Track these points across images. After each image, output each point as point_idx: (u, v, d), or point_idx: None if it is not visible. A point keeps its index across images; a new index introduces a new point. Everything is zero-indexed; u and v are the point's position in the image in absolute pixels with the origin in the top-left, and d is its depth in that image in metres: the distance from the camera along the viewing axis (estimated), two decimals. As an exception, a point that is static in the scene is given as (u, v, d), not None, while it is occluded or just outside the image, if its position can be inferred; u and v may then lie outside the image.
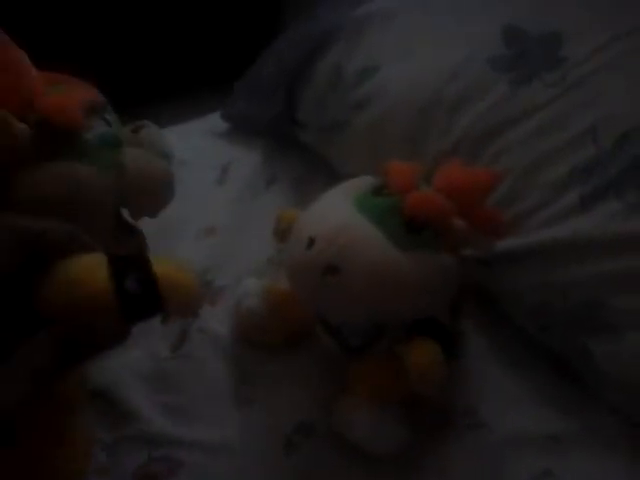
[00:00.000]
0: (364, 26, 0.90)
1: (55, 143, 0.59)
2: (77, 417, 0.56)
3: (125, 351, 0.73)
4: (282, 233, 0.69)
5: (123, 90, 1.34)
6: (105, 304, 0.42)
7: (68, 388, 0.53)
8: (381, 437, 0.63)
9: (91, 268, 0.42)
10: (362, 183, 0.65)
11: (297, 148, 0.98)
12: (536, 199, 0.70)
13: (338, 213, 0.60)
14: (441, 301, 0.63)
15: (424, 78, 0.81)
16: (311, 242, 0.58)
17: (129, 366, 0.71)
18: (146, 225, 0.87)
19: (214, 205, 0.92)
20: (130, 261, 0.44)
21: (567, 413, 0.67)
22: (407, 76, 0.83)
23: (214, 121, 1.08)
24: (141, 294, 0.43)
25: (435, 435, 0.66)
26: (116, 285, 0.42)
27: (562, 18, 0.78)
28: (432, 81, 0.80)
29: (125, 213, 0.69)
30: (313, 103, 0.92)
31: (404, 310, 0.61)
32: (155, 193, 0.67)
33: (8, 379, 0.39)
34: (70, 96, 0.62)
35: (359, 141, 0.86)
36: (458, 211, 0.61)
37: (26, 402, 0.40)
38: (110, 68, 1.37)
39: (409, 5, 0.90)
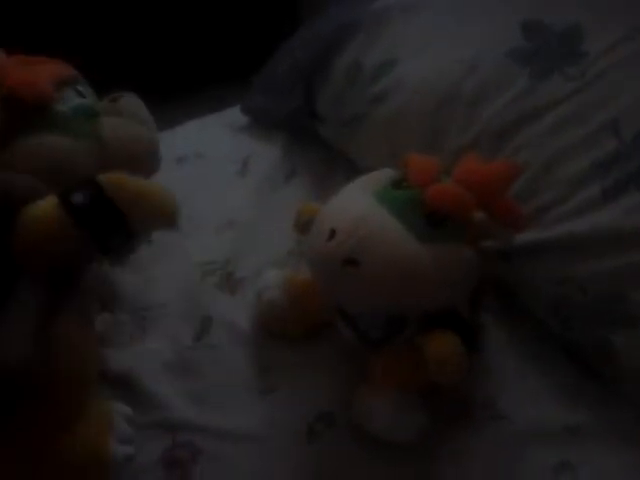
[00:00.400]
0: (383, 20, 0.91)
1: (25, 116, 0.60)
2: (91, 393, 0.57)
3: (149, 341, 0.75)
4: (303, 226, 0.69)
5: (144, 86, 1.35)
6: (59, 226, 0.44)
7: (79, 366, 0.54)
8: (400, 427, 0.64)
9: (44, 205, 0.44)
10: (382, 176, 0.66)
11: (316, 142, 0.99)
12: (556, 193, 0.70)
13: (358, 205, 0.61)
14: (461, 293, 0.64)
15: (443, 72, 0.81)
16: (332, 234, 0.59)
17: (152, 355, 0.73)
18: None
19: (234, 198, 0.93)
20: (77, 183, 0.46)
21: (585, 406, 0.67)
22: (426, 70, 0.83)
23: (234, 115, 1.09)
24: (93, 206, 0.45)
25: (454, 426, 0.66)
26: (68, 207, 0.44)
27: (582, 13, 0.78)
28: (451, 75, 0.80)
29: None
30: (331, 97, 0.93)
31: (424, 302, 0.62)
32: (137, 160, 0.67)
33: (17, 323, 0.41)
34: (37, 70, 0.63)
35: (377, 135, 0.87)
36: (478, 203, 0.61)
37: (41, 342, 0.41)
38: (132, 64, 1.39)
39: (428, -1, 0.90)
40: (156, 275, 0.82)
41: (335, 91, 0.91)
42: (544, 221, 0.70)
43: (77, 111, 0.64)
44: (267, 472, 0.64)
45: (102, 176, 0.48)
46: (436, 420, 0.65)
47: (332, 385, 0.70)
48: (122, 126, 0.66)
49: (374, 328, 0.66)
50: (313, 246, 0.62)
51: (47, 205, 0.45)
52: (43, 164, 0.60)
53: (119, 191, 0.47)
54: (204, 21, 1.48)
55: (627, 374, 0.65)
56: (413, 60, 0.84)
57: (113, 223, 0.47)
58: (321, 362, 0.72)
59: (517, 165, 0.65)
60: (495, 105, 0.76)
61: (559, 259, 0.68)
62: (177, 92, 1.23)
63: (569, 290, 0.68)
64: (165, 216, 0.50)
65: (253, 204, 0.92)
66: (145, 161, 0.68)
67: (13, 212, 0.45)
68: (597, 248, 0.66)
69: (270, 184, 0.96)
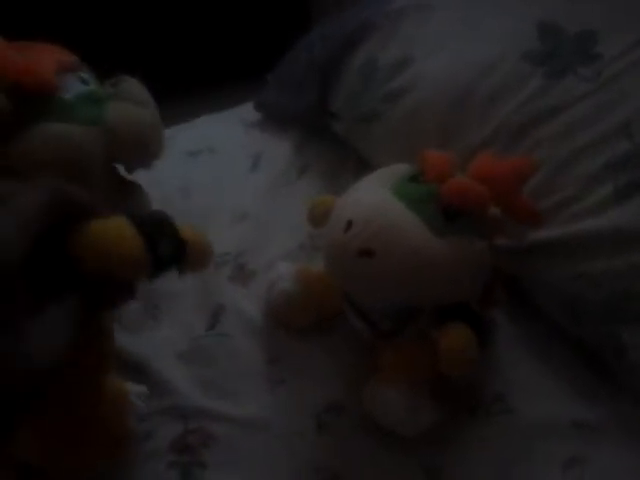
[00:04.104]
0: (399, 19, 0.92)
1: (31, 106, 0.60)
2: (109, 378, 0.58)
3: (162, 329, 0.75)
4: (318, 218, 0.70)
5: (159, 81, 1.36)
6: (141, 268, 0.45)
7: (97, 350, 0.55)
8: (410, 419, 0.64)
9: (124, 233, 0.44)
10: (399, 170, 0.67)
11: (329, 138, 1.00)
12: (570, 191, 0.70)
13: (376, 198, 0.62)
14: (473, 287, 0.64)
15: (459, 71, 0.82)
16: (349, 225, 0.60)
17: (166, 343, 0.74)
18: (182, 210, 0.90)
19: (247, 192, 0.94)
20: (160, 227, 0.48)
21: (596, 402, 0.68)
22: (441, 68, 0.84)
23: (247, 111, 1.10)
24: (172, 257, 0.48)
25: (463, 419, 0.67)
26: (149, 249, 0.45)
27: (597, 15, 0.79)
28: (467, 74, 0.81)
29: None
30: (346, 94, 0.94)
31: (436, 294, 0.63)
32: (143, 144, 0.67)
33: (53, 326, 0.42)
34: (40, 59, 0.63)
35: (392, 132, 0.87)
36: (493, 199, 0.62)
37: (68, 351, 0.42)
38: (147, 60, 1.40)
39: (444, -1, 0.92)
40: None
41: (350, 88, 0.92)
42: (558, 219, 0.70)
43: (81, 98, 0.64)
44: (277, 460, 0.65)
45: (185, 231, 0.49)
46: (446, 412, 0.66)
47: (342, 376, 0.71)
48: (126, 110, 0.66)
49: (385, 320, 0.67)
50: (329, 237, 0.63)
51: (132, 239, 0.45)
52: (53, 153, 0.61)
53: (190, 243, 0.49)
54: (219, 19, 1.49)
55: (637, 370, 0.66)
56: (429, 59, 0.85)
57: (174, 268, 0.50)
58: (331, 353, 0.73)
59: (532, 162, 0.65)
60: (510, 104, 0.77)
61: (572, 256, 0.69)
62: (190, 88, 1.24)
63: (582, 287, 0.68)
64: (205, 267, 0.53)
65: (266, 198, 0.93)
66: (150, 145, 0.68)
67: (73, 221, 0.44)
68: (610, 246, 0.67)
69: (282, 179, 0.96)
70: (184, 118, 1.10)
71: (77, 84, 0.65)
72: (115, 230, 0.44)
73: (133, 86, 0.70)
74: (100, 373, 0.56)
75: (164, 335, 0.75)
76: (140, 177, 0.77)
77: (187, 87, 1.25)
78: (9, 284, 0.37)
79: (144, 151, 0.68)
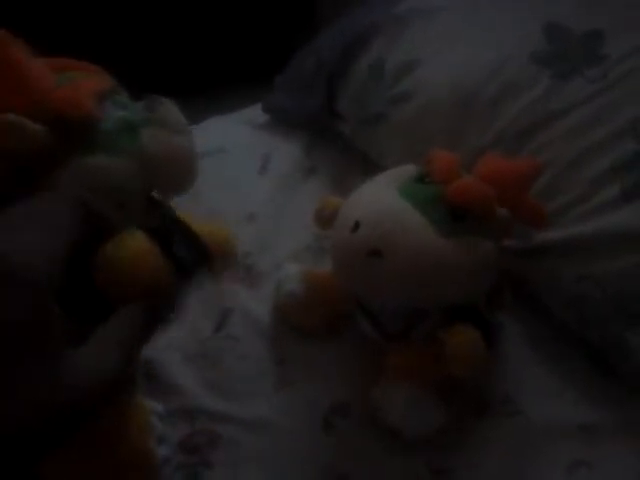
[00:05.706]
0: (406, 21, 0.92)
1: (73, 138, 0.56)
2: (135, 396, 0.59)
3: (170, 330, 0.75)
4: (326, 219, 0.70)
5: (167, 83, 1.38)
6: (166, 278, 0.44)
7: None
8: (417, 421, 0.64)
9: (143, 248, 0.43)
10: (405, 171, 0.66)
11: (336, 141, 1.00)
12: (577, 192, 0.70)
13: (383, 199, 0.62)
14: (480, 288, 0.64)
15: (465, 73, 0.82)
16: (356, 226, 0.60)
17: (173, 345, 0.74)
18: (190, 211, 0.90)
19: (255, 193, 0.94)
20: (178, 233, 0.49)
21: (603, 405, 0.67)
22: (448, 71, 0.84)
23: (255, 113, 1.10)
24: (193, 258, 0.48)
25: (471, 421, 0.67)
26: (168, 254, 0.45)
27: (604, 16, 0.79)
28: (474, 76, 0.81)
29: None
30: (353, 96, 0.94)
31: (444, 295, 0.62)
32: (178, 171, 0.64)
33: (107, 348, 0.41)
34: (80, 86, 0.57)
35: (399, 134, 0.87)
36: (500, 200, 0.62)
37: (124, 371, 0.42)
38: (154, 62, 1.41)
39: (451, 1, 0.91)
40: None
41: (357, 90, 0.92)
42: (565, 220, 0.70)
43: (120, 126, 0.59)
44: (283, 460, 0.65)
45: (199, 227, 0.50)
46: (452, 414, 0.66)
47: (349, 377, 0.71)
48: (164, 141, 0.61)
49: (393, 322, 0.67)
50: (337, 238, 0.63)
51: (144, 250, 0.44)
52: (102, 191, 0.56)
53: (211, 242, 0.50)
54: (226, 21, 1.50)
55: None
56: (435, 61, 0.85)
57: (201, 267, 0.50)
58: (339, 354, 0.73)
59: (539, 163, 0.65)
60: (517, 106, 0.76)
61: (579, 258, 0.69)
62: (199, 90, 1.24)
63: (588, 288, 0.68)
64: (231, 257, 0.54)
65: (273, 200, 0.93)
66: (184, 170, 0.66)
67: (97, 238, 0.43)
68: (616, 247, 0.66)
69: (289, 181, 0.97)
70: (193, 120, 1.09)
71: (115, 110, 0.60)
72: (134, 248, 0.43)
73: (169, 111, 0.68)
74: (126, 395, 0.56)
75: (171, 337, 0.75)
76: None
77: (195, 89, 1.26)
78: (42, 309, 0.34)
79: (180, 182, 0.67)
